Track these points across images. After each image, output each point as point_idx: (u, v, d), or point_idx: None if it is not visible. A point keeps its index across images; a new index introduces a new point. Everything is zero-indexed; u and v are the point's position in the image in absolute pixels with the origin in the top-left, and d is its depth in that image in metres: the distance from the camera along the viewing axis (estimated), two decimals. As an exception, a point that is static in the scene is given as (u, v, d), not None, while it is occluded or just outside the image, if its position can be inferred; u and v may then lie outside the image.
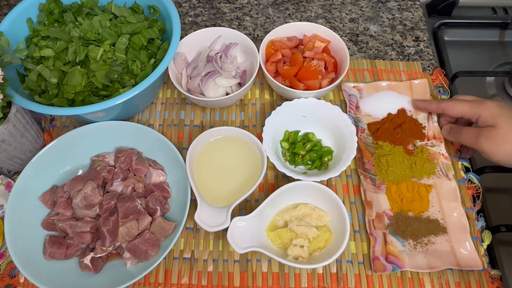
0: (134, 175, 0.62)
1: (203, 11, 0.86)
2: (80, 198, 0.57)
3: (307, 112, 0.66)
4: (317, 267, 0.57)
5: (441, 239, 0.59)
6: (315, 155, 0.64)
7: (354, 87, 0.73)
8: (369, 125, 0.69)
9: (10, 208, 0.56)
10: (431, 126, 0.68)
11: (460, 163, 0.66)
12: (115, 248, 0.57)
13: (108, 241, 0.55)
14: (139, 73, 0.64)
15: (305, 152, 0.65)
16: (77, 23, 0.67)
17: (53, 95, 0.62)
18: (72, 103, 0.62)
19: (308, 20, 0.84)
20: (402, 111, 0.69)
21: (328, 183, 0.65)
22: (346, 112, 0.70)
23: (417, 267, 0.56)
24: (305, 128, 0.68)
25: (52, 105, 0.61)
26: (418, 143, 0.67)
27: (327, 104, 0.65)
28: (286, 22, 0.81)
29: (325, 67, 0.69)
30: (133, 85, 0.62)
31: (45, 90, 0.63)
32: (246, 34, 0.80)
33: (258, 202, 0.61)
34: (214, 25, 0.84)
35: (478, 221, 0.61)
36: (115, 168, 0.62)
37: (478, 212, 0.62)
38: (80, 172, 0.64)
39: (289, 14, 0.86)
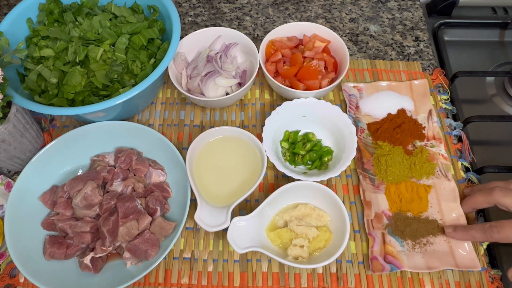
0: (134, 175, 0.63)
1: (203, 11, 0.86)
2: (80, 198, 0.57)
3: (307, 112, 0.66)
4: (317, 267, 0.57)
5: (440, 239, 0.59)
6: (315, 155, 0.64)
7: (354, 87, 0.73)
8: (368, 125, 0.69)
9: (10, 208, 0.57)
10: (431, 127, 0.68)
11: (460, 162, 0.66)
12: (115, 248, 0.57)
13: (108, 241, 0.55)
14: (139, 73, 0.64)
15: (305, 152, 0.65)
16: (77, 23, 0.67)
17: (53, 95, 0.62)
18: (72, 103, 0.62)
19: (308, 20, 0.84)
20: (402, 111, 0.69)
21: (328, 183, 0.65)
22: (346, 112, 0.70)
23: (415, 267, 0.56)
24: (305, 128, 0.68)
25: (52, 105, 0.61)
26: (418, 143, 0.67)
27: (327, 104, 0.65)
28: (286, 22, 0.81)
29: (325, 67, 0.69)
30: (133, 85, 0.62)
31: (45, 90, 0.63)
32: (246, 34, 0.80)
33: (258, 202, 0.61)
34: (214, 25, 0.84)
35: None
36: (115, 168, 0.62)
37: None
38: (80, 172, 0.64)
39: (289, 14, 0.86)
